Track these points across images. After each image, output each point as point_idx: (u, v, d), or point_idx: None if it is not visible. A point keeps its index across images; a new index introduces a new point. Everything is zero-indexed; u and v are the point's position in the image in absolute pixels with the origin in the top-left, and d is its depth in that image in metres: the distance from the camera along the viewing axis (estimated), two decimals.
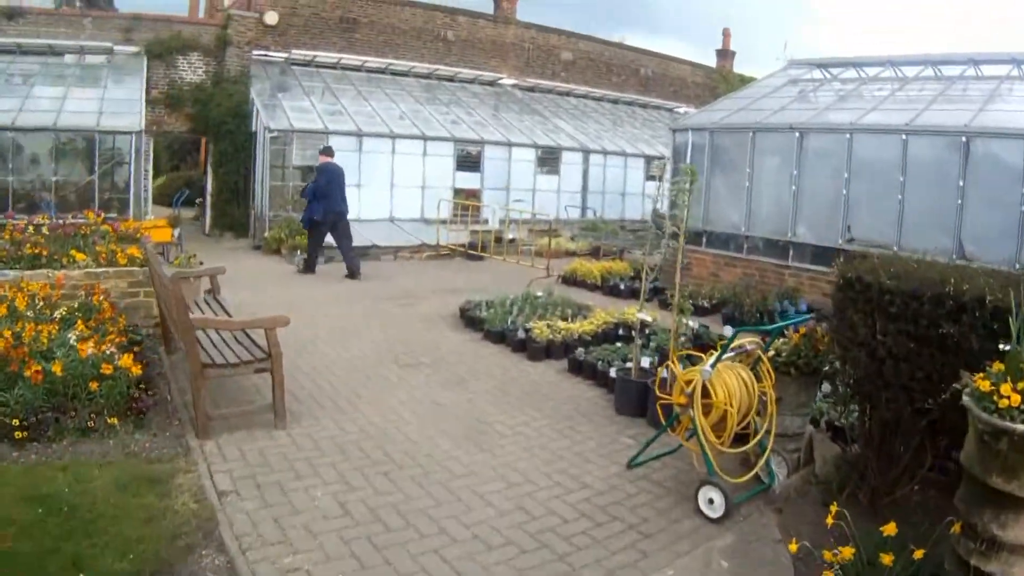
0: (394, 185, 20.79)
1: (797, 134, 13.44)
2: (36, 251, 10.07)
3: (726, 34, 37.94)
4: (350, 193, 18.35)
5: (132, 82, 19.90)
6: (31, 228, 10.94)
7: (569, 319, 10.75)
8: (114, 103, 18.54)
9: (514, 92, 27.86)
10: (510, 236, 19.15)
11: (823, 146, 13.29)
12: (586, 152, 24.90)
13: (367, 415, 7.48)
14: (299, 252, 16.87)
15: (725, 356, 5.77)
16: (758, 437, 5.83)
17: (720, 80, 35.33)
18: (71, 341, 7.19)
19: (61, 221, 12.50)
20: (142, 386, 7.19)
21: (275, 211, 19.56)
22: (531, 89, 28.49)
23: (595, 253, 19.76)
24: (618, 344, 9.74)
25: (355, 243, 16.15)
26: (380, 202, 20.59)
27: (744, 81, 30.16)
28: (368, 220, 19.97)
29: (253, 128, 21.24)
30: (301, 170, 19.94)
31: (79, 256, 10.07)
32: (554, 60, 29.95)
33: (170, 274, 7.35)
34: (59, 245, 10.48)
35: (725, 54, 37.41)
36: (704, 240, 15.02)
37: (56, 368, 6.45)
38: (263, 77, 22.37)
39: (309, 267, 15.80)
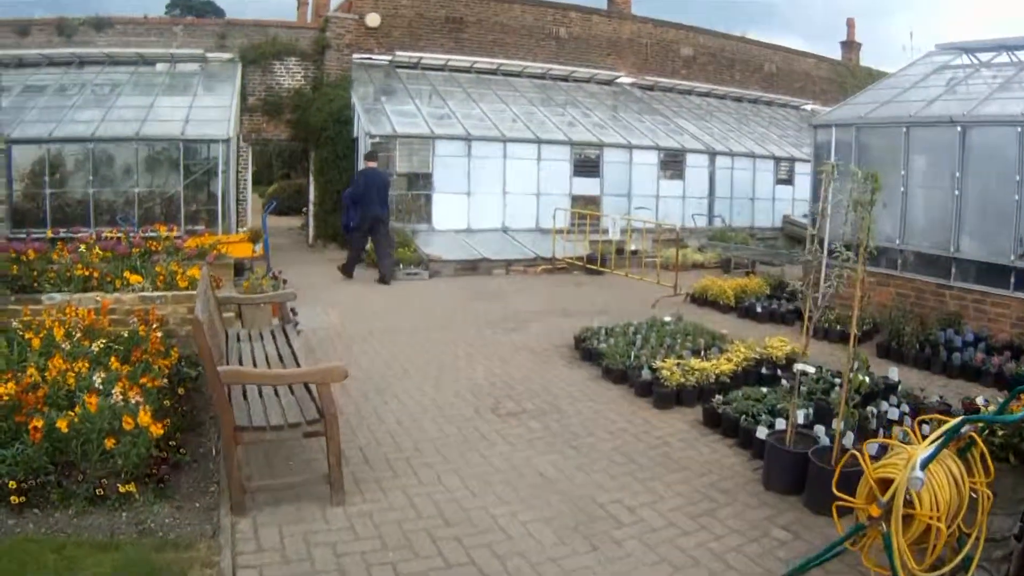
0: (507, 193, 18.70)
1: (958, 128, 10.71)
2: (87, 272, 8.56)
3: (850, 24, 34.17)
4: (459, 201, 18.01)
5: (224, 89, 18.36)
6: (83, 246, 9.33)
7: (702, 352, 8.69)
8: (203, 111, 17.01)
9: (632, 91, 25.38)
10: (632, 247, 16.94)
11: (990, 142, 10.62)
12: (712, 154, 22.26)
13: (449, 487, 5.80)
14: (401, 265, 15.40)
15: (934, 447, 4.03)
16: (961, 555, 4.28)
17: (847, 74, 32.05)
18: (96, 383, 5.79)
19: (119, 234, 11.02)
20: (172, 443, 5.93)
21: None
22: (650, 88, 25.95)
23: (725, 266, 17.40)
24: (763, 389, 7.50)
25: (464, 256, 16.11)
26: (491, 211, 18.56)
27: (872, 75, 27.43)
28: (479, 230, 18.11)
29: (355, 134, 19.43)
30: (406, 177, 18.09)
31: (133, 278, 8.45)
32: (673, 56, 27.45)
33: (202, 307, 5.56)
34: (114, 265, 8.88)
35: (850, 46, 33.78)
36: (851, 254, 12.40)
37: (61, 425, 5.19)
38: (365, 81, 20.63)
39: (347, 272, 15.36)
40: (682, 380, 7.77)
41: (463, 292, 14.07)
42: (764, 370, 8.42)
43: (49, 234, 11.79)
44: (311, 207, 21.17)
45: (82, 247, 9.30)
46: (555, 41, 24.56)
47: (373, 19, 21.55)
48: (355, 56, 21.18)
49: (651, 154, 20.87)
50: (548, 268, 16.71)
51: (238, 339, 7.51)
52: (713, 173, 22.32)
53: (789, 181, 24.10)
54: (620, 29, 25.91)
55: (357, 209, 14.94)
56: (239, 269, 13.15)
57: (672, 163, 21.51)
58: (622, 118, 22.51)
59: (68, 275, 8.53)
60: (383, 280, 14.82)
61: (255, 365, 6.62)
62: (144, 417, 5.32)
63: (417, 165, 18.14)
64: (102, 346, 6.75)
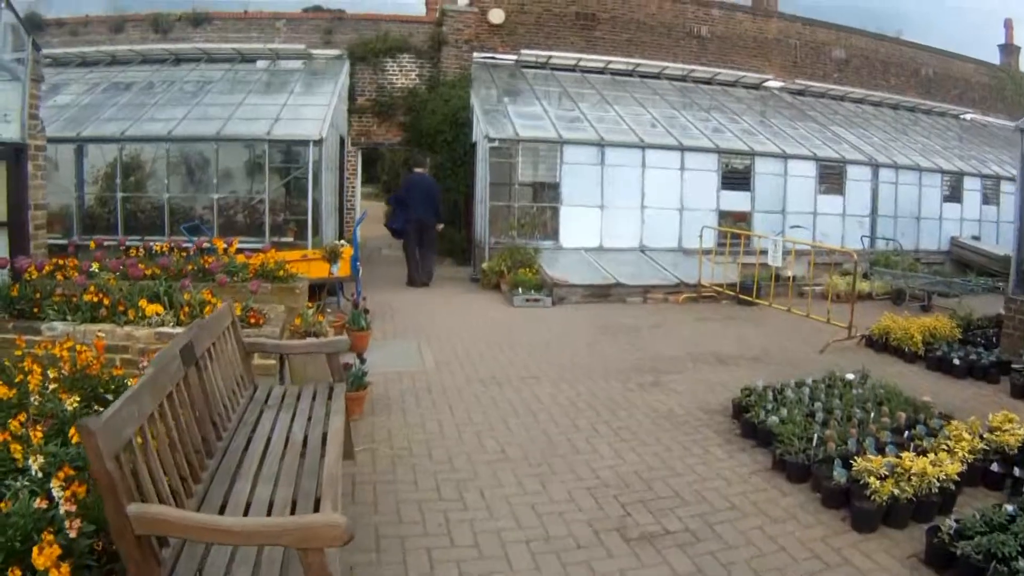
0: (645, 207, 15.69)
1: None
2: (97, 298, 6.43)
3: (1008, 26, 29.69)
4: (589, 216, 15.55)
5: (323, 87, 15.97)
6: (95, 265, 7.10)
7: (905, 434, 6.05)
8: (296, 109, 14.63)
9: (782, 96, 21.92)
10: (788, 273, 13.95)
11: None
12: (875, 166, 18.65)
13: None
14: (520, 289, 12.75)
15: None
16: None
17: (1007, 80, 28.22)
18: (33, 470, 3.62)
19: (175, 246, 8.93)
20: None
21: (496, 237, 14.94)
22: (800, 92, 22.39)
23: (896, 297, 14.11)
24: (1007, 509, 4.59)
25: (594, 280, 13.71)
26: (627, 228, 15.57)
27: None
28: (613, 249, 15.16)
29: (473, 138, 16.86)
30: (531, 187, 15.41)
31: (150, 308, 6.29)
32: (824, 59, 23.97)
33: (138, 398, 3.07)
34: (127, 292, 6.61)
35: (1009, 49, 29.51)
36: None
37: None
38: (487, 81, 17.93)
39: (410, 282, 14.74)
40: (894, 492, 4.90)
41: (590, 325, 11.20)
42: (995, 467, 5.59)
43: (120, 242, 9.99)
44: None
45: (95, 265, 7.09)
46: (696, 40, 21.53)
47: (497, 15, 19.05)
48: (476, 55, 18.65)
49: (808, 165, 17.65)
50: (692, 296, 13.77)
51: (265, 402, 5.12)
52: (876, 188, 18.86)
53: (956, 199, 20.42)
54: (766, 28, 22.74)
55: (401, 212, 14.63)
56: (319, 291, 10.84)
57: (830, 175, 18.20)
58: (772, 124, 19.20)
59: (74, 301, 6.35)
60: (411, 283, 14.58)
61: (264, 454, 4.23)
62: (48, 554, 2.78)
63: (543, 174, 15.43)
64: (76, 405, 4.48)
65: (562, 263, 14.23)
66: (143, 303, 6.23)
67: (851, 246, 17.23)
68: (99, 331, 5.91)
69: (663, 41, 20.95)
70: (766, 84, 21.88)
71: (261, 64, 17.31)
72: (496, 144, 14.82)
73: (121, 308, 6.27)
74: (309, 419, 4.84)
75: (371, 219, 24.81)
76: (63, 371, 5.00)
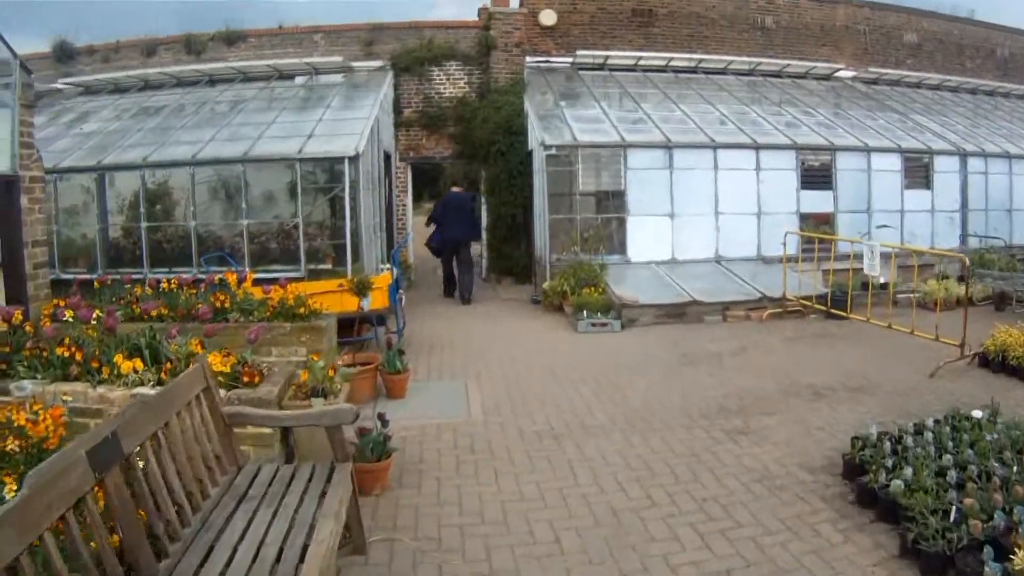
0: (719, 213, 14.13)
1: None
2: (68, 352, 5.36)
3: None
4: (659, 226, 14.01)
5: (364, 100, 14.72)
6: (70, 314, 5.93)
7: None
8: (332, 124, 13.45)
9: (855, 86, 20.03)
10: (880, 279, 12.28)
11: None
12: (963, 155, 16.70)
13: None
14: (584, 312, 11.34)
15: None
16: None
17: None
18: None
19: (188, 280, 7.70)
20: None
21: (558, 253, 13.51)
22: (873, 81, 20.42)
23: (1000, 302, 12.44)
24: None
25: (667, 298, 12.11)
26: (700, 236, 14.00)
27: None
28: (685, 262, 13.63)
29: (529, 146, 15.46)
30: (594, 197, 13.98)
31: (125, 365, 5.11)
32: (896, 44, 22.06)
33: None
34: (103, 345, 5.45)
35: None
36: None
37: None
38: (541, 85, 16.54)
39: (447, 293, 15.05)
40: None
41: (664, 353, 9.72)
42: None
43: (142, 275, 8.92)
44: (484, 235, 17.33)
45: (68, 314, 5.89)
46: (760, 32, 19.86)
47: (548, 16, 17.68)
48: (529, 59, 17.28)
49: (892, 158, 15.89)
50: (776, 312, 12.14)
51: (246, 492, 3.91)
52: (965, 179, 17.09)
53: None
54: (833, 15, 20.96)
55: (437, 231, 14.60)
56: (357, 326, 9.63)
57: (916, 168, 16.38)
58: (850, 116, 17.35)
59: (45, 356, 5.34)
60: (464, 300, 14.22)
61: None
62: None
63: (606, 182, 13.95)
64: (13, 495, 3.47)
65: (631, 280, 12.80)
66: (119, 358, 5.02)
67: (943, 245, 15.58)
68: (66, 393, 4.75)
69: (726, 34, 19.36)
70: (837, 74, 20.05)
71: (299, 80, 16.21)
72: (553, 151, 13.46)
73: (95, 364, 5.09)
74: (293, 520, 3.57)
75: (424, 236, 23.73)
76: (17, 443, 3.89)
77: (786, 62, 19.48)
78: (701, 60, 18.56)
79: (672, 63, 18.36)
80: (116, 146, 13.31)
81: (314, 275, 11.55)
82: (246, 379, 5.17)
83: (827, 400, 7.55)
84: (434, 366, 9.35)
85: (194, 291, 7.47)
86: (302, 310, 7.21)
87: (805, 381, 8.28)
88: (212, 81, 16.50)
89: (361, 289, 8.76)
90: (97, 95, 16.91)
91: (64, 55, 18.19)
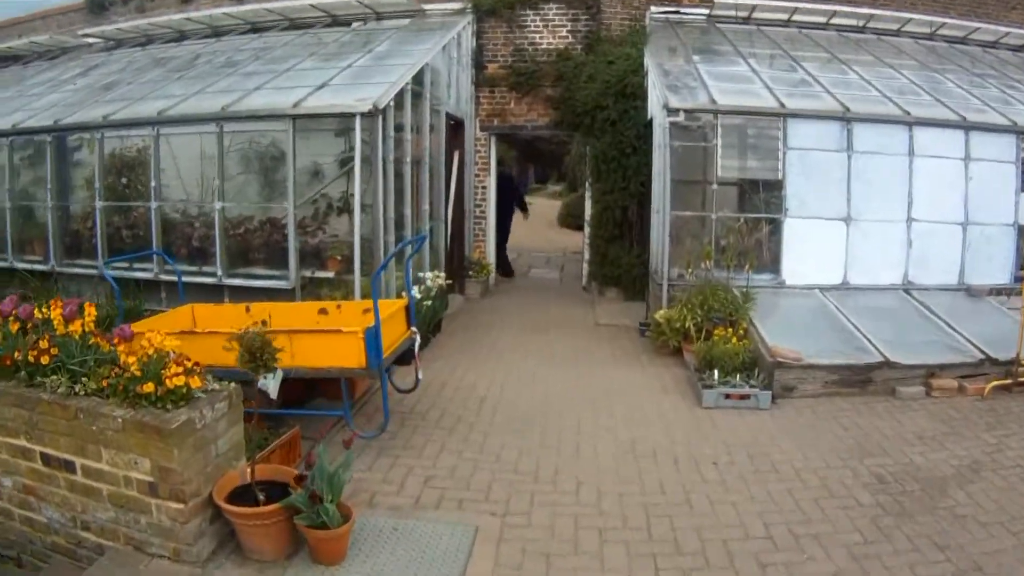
0: (912, 220, 9.30)
1: None
2: None
3: None
4: (829, 234, 9.22)
5: (420, 43, 10.30)
6: None
7: None
8: (358, 73, 9.09)
9: None
10: None
11: None
12: None
13: None
14: (715, 371, 6.95)
15: None
16: None
17: None
18: None
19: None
20: None
21: (680, 267, 9.02)
22: None
23: None
24: None
25: (842, 353, 7.44)
26: (883, 252, 9.23)
27: None
28: (862, 288, 9.00)
29: (649, 115, 10.92)
30: (736, 188, 9.37)
31: None
32: None
33: None
34: None
35: None
36: None
37: None
38: (669, 36, 11.99)
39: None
40: None
41: (849, 475, 5.28)
42: None
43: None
44: (586, 229, 12.89)
45: None
46: None
47: None
48: (653, 9, 12.63)
49: None
50: (1004, 384, 7.57)
51: None
52: None
53: None
54: None
55: None
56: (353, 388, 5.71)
57: None
58: None
59: None
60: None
61: None
62: None
63: (754, 167, 9.24)
64: None
65: (785, 314, 8.34)
66: None
67: None
68: None
69: None
70: None
71: (356, 26, 12.17)
72: (681, 119, 8.89)
73: None
74: None
75: (536, 217, 19.52)
76: None
77: (975, 25, 14.41)
78: (871, 17, 13.74)
79: (834, 20, 13.63)
80: (89, 103, 9.64)
81: (311, 287, 7.65)
82: None
83: None
84: (437, 469, 5.27)
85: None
86: (160, 387, 3.33)
87: None
88: (255, 29, 12.55)
89: (256, 353, 4.28)
90: (123, 47, 13.41)
91: (97, 6, 14.79)
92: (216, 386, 4.08)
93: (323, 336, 5.25)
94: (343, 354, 5.12)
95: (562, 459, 5.52)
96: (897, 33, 13.94)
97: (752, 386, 6.76)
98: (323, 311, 6.27)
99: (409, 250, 7.44)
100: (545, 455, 5.57)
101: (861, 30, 13.73)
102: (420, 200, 9.36)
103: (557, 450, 5.69)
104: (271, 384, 4.29)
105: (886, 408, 6.85)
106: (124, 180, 8.76)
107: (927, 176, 9.47)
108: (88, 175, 9.08)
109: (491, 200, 13.30)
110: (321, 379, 5.56)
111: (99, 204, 8.88)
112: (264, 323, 4.88)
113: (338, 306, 6.30)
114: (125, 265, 8.67)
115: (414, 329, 5.98)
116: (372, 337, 5.04)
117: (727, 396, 6.65)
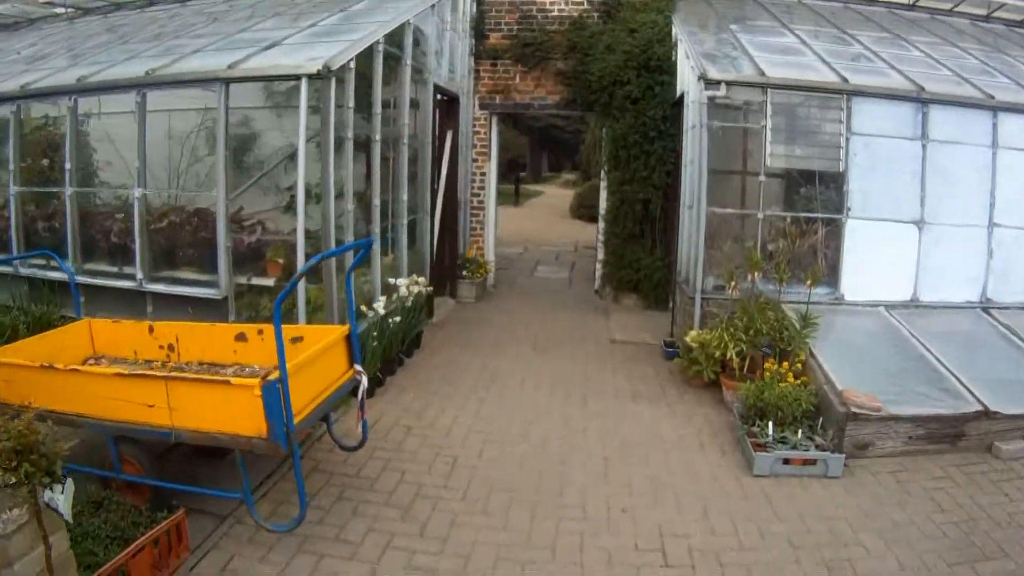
0: (994, 224, 7.53)
1: None
2: None
3: None
4: (900, 238, 7.39)
5: (403, 2, 8.26)
6: None
7: None
8: (320, 32, 7.17)
9: None
10: None
11: None
12: None
13: None
14: (769, 424, 5.09)
15: None
16: None
17: None
18: None
19: None
20: None
21: (716, 276, 7.28)
22: None
23: None
24: None
25: (932, 409, 5.47)
26: (959, 262, 7.40)
27: None
28: (933, 305, 7.25)
29: (678, 91, 9.09)
30: (784, 180, 7.50)
31: None
32: None
33: None
34: None
35: None
36: None
37: None
38: (700, 4, 10.20)
39: None
40: None
41: None
42: None
43: None
44: (600, 224, 11.06)
45: None
46: None
47: None
48: None
49: None
50: None
51: None
52: None
53: None
54: None
55: None
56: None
57: None
58: None
59: None
60: None
61: None
62: None
63: (805, 156, 7.27)
64: None
65: (846, 339, 6.50)
66: None
67: None
68: None
69: None
70: None
71: None
72: (721, 92, 7.13)
73: None
74: None
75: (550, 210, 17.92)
76: None
77: None
78: None
79: None
80: (17, 73, 7.96)
81: (250, 297, 5.92)
82: None
83: None
84: None
85: None
86: None
87: None
88: None
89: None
90: (90, 15, 11.71)
91: None
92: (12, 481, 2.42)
93: (206, 388, 3.50)
94: (233, 415, 3.40)
95: (558, 568, 3.80)
96: (950, 13, 12.09)
97: (819, 447, 4.98)
98: (241, 337, 4.55)
99: (352, 258, 5.57)
100: (534, 564, 3.84)
101: (912, 7, 11.90)
102: (397, 188, 7.56)
103: (551, 552, 3.95)
104: (60, 500, 2.59)
105: (986, 474, 5.10)
106: (45, 162, 7.06)
107: (1013, 172, 7.65)
108: (5, 156, 7.40)
109: (491, 188, 11.52)
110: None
111: (13, 190, 7.21)
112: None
113: (259, 331, 4.55)
114: (41, 262, 7.02)
115: (358, 368, 4.24)
116: (274, 395, 3.30)
117: (785, 462, 4.88)
